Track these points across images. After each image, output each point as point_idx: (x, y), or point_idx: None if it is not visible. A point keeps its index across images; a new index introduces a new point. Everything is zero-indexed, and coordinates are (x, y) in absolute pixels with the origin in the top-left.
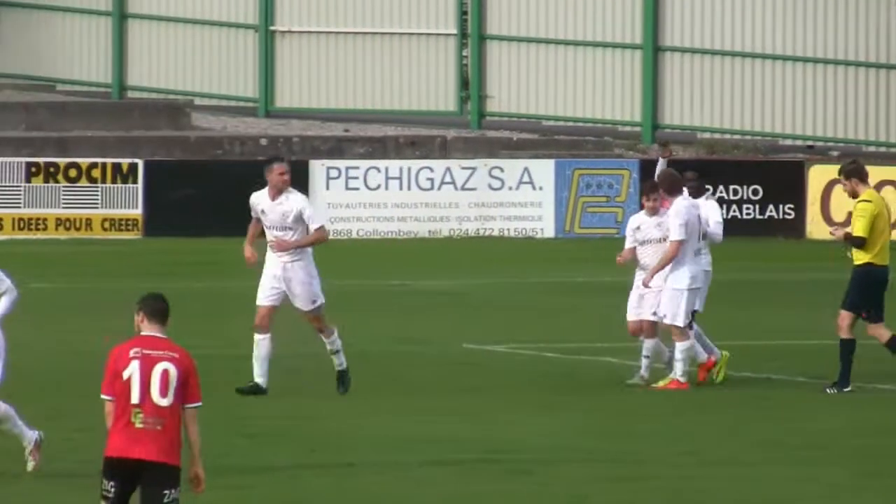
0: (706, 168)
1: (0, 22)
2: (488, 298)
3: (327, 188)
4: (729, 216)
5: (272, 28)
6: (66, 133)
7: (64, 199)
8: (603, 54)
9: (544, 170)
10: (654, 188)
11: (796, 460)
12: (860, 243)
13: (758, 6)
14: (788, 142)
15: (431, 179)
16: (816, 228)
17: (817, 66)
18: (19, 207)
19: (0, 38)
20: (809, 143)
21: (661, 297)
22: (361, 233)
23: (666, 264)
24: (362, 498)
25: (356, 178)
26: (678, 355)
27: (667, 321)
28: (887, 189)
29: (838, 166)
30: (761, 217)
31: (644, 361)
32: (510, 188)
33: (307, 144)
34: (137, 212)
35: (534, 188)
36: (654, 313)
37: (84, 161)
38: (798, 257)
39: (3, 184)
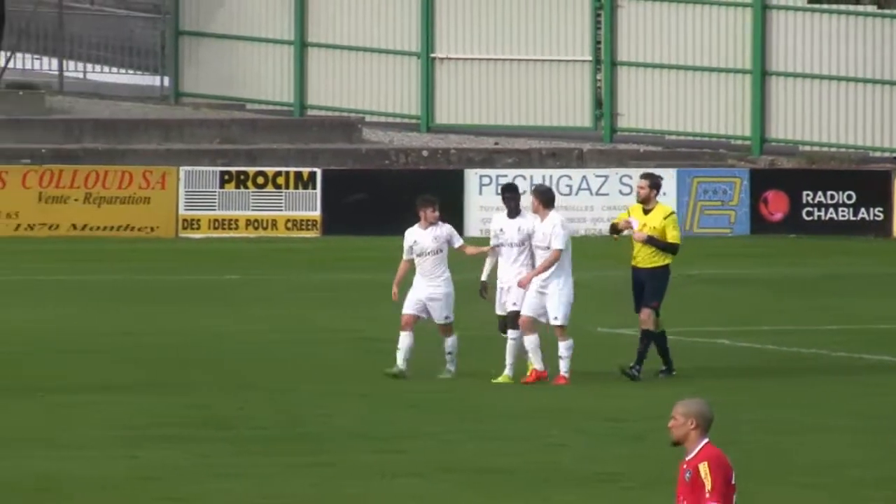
0: (807, 176)
1: (199, 50)
2: (619, 289)
3: (480, 193)
4: (826, 218)
5: (432, 55)
6: (254, 146)
7: (252, 202)
8: (717, 78)
9: (667, 178)
10: None
11: (875, 429)
12: None
13: (851, 37)
14: (877, 154)
15: (570, 186)
16: None
17: None
18: (214, 210)
19: (198, 63)
20: (895, 155)
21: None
22: None
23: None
24: (505, 461)
25: (538, 183)
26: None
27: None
28: None
29: None
30: (854, 219)
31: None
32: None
33: (462, 156)
34: (316, 214)
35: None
36: None
37: (270, 170)
38: (886, 253)
39: (201, 189)
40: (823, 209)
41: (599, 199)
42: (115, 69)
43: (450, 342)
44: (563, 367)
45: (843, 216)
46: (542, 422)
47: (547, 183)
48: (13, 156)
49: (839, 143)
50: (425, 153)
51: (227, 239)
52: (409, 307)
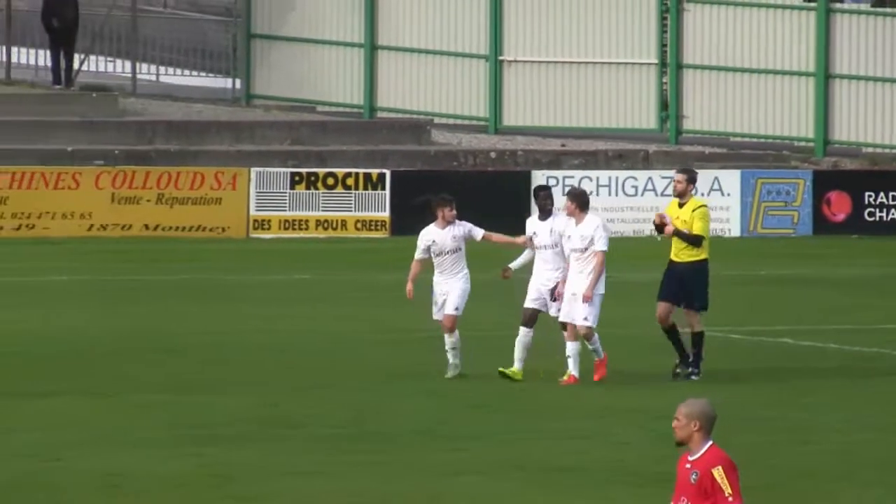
0: (869, 178)
1: (270, 52)
2: None
3: None
4: (888, 218)
5: (500, 58)
6: (324, 147)
7: (322, 203)
8: (781, 80)
9: (731, 179)
10: None
11: None
12: None
13: None
14: None
15: (636, 187)
16: None
17: None
18: (284, 210)
19: (270, 66)
20: None
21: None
22: None
23: None
24: (568, 460)
25: (572, 185)
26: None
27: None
28: None
29: None
30: None
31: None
32: (702, 194)
33: (530, 157)
34: (385, 214)
35: (722, 194)
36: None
37: (340, 171)
38: None
39: (271, 190)
40: (885, 210)
41: (665, 200)
42: (187, 71)
43: (455, 338)
44: (574, 367)
45: None
46: (606, 421)
47: (613, 184)
48: (87, 157)
49: None
50: (493, 155)
51: (297, 239)
52: (437, 313)
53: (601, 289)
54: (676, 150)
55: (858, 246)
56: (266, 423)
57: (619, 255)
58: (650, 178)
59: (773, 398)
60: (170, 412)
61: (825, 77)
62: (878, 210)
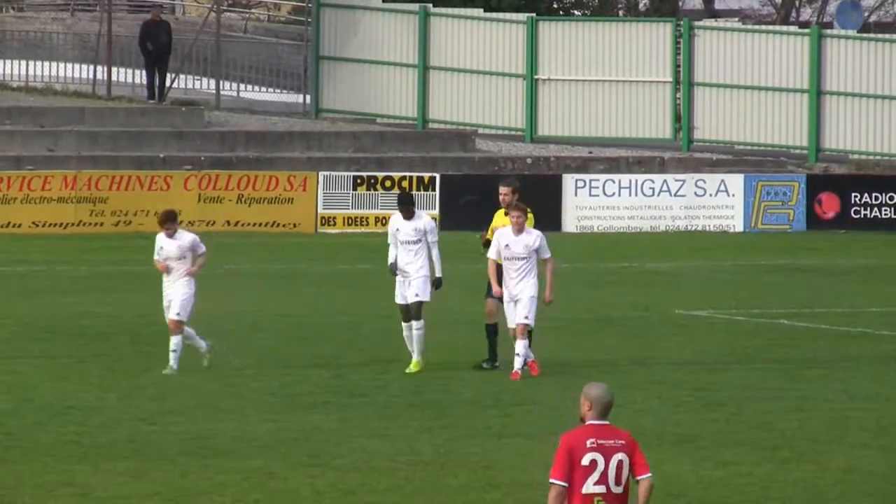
0: (856, 181)
1: (336, 72)
2: (694, 276)
3: (575, 195)
4: (872, 216)
5: (536, 77)
6: (382, 154)
7: (381, 202)
8: (780, 96)
9: (736, 181)
10: None
11: None
12: None
13: (894, 61)
14: None
15: (652, 188)
16: None
17: None
18: (347, 209)
19: (335, 83)
20: None
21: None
22: (600, 228)
23: None
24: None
25: (597, 187)
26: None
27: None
28: None
29: None
30: (895, 217)
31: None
32: (710, 195)
33: (561, 163)
34: (435, 212)
35: (728, 195)
36: None
37: (396, 174)
38: None
39: (337, 191)
40: (869, 209)
41: (678, 200)
42: (264, 88)
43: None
44: (519, 363)
45: (886, 215)
46: (632, 392)
47: (633, 186)
48: (177, 163)
49: (883, 153)
50: (529, 161)
51: (360, 234)
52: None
53: (535, 291)
54: (688, 156)
55: (846, 240)
56: (337, 392)
57: (639, 247)
58: (665, 181)
59: (773, 372)
60: (254, 383)
61: (817, 93)
62: (863, 209)
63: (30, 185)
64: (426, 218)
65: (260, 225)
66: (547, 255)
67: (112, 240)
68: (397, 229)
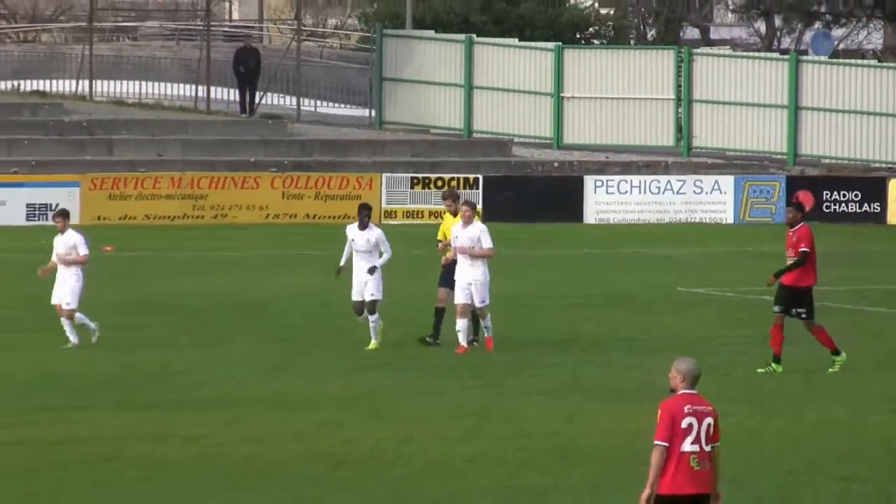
0: (827, 181)
1: (396, 90)
2: (693, 260)
3: (595, 193)
4: (840, 210)
5: (562, 95)
6: (435, 159)
7: (434, 199)
8: (764, 111)
9: (727, 182)
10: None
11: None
12: None
13: (859, 82)
14: (877, 164)
15: (658, 187)
16: (894, 218)
17: None
18: (406, 204)
19: (396, 100)
20: (889, 165)
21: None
22: (615, 220)
23: None
24: (615, 384)
25: (613, 186)
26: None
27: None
28: None
29: None
30: (859, 211)
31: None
32: (706, 193)
33: (583, 166)
34: (479, 207)
35: (721, 193)
36: None
37: (446, 176)
38: (881, 237)
39: (397, 189)
40: (838, 204)
41: (679, 197)
42: (336, 104)
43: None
44: (490, 332)
45: (852, 209)
46: (644, 356)
47: (642, 185)
48: (264, 166)
49: (850, 157)
50: (556, 164)
51: (416, 225)
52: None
53: (488, 276)
54: (688, 161)
55: (819, 230)
56: (396, 357)
57: (647, 236)
58: (669, 181)
59: (757, 340)
60: (330, 351)
61: (795, 109)
62: (833, 204)
63: (142, 185)
64: (377, 230)
65: (334, 218)
66: (487, 245)
67: (210, 230)
68: (353, 240)
